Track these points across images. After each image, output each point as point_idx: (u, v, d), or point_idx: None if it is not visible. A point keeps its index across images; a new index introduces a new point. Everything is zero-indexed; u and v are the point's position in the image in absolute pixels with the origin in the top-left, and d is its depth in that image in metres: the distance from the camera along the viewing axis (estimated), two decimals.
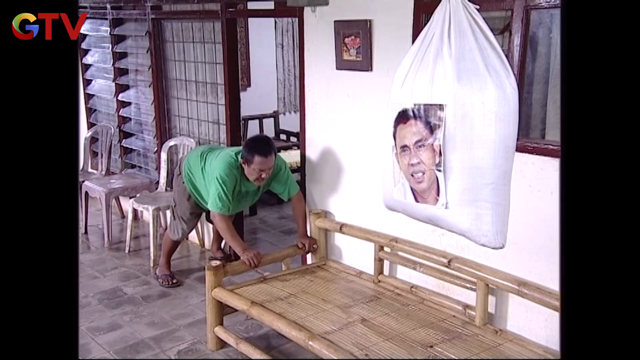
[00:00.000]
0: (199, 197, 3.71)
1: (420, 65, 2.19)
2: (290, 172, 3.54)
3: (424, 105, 2.16)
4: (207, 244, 4.65)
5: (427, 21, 2.37)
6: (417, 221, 2.63)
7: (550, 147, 2.50)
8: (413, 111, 2.20)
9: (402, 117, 2.25)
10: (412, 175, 2.25)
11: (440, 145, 2.12)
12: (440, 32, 2.15)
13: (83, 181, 4.92)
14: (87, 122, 5.76)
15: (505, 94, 2.07)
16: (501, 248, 2.25)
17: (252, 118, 6.39)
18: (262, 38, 6.68)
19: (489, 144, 2.09)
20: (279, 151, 3.99)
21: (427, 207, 2.25)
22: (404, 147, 2.25)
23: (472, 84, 2.07)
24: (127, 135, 5.39)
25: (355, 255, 3.48)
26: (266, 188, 3.58)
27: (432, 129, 2.14)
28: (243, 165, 3.30)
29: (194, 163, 3.64)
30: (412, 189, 2.27)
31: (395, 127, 2.28)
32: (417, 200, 2.28)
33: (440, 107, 2.11)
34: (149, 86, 4.87)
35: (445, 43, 2.13)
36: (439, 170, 2.15)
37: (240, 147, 3.45)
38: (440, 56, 2.14)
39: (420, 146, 2.19)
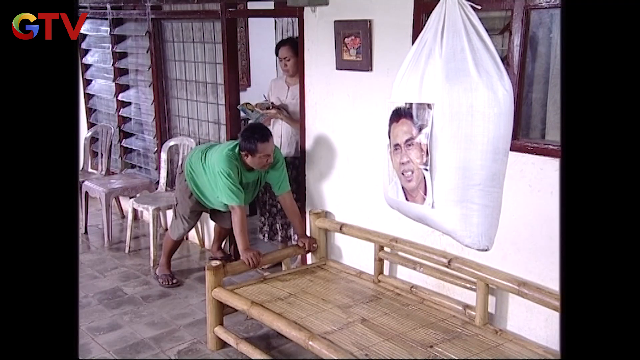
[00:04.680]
0: (201, 195, 3.72)
1: (415, 65, 2.20)
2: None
3: (414, 104, 2.16)
4: (207, 244, 4.65)
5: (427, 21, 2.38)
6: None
7: (550, 147, 2.50)
8: (404, 110, 2.20)
9: (396, 116, 2.25)
10: (403, 174, 2.25)
11: (427, 145, 2.12)
12: (434, 31, 2.15)
13: (83, 181, 4.92)
14: (87, 122, 5.76)
15: (497, 95, 2.06)
16: (485, 250, 2.24)
17: None
18: (262, 38, 6.66)
19: (476, 145, 2.08)
20: None
21: (416, 206, 2.25)
22: (396, 146, 2.25)
23: (461, 84, 2.06)
24: (127, 135, 5.39)
25: (355, 255, 3.48)
26: (265, 180, 3.59)
27: (420, 128, 2.14)
28: (245, 157, 3.34)
29: (196, 160, 3.66)
30: (403, 187, 2.28)
31: (389, 125, 2.29)
32: (407, 199, 2.28)
33: (429, 106, 2.11)
34: (149, 86, 4.87)
35: (438, 42, 2.12)
36: (426, 170, 2.15)
37: (235, 142, 3.47)
38: (432, 56, 2.13)
39: (409, 145, 2.19)
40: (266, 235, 4.13)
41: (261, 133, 3.32)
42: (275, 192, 3.61)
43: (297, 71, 3.78)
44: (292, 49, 3.81)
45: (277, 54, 3.94)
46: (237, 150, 3.37)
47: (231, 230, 3.68)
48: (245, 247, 3.33)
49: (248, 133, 3.35)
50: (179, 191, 3.88)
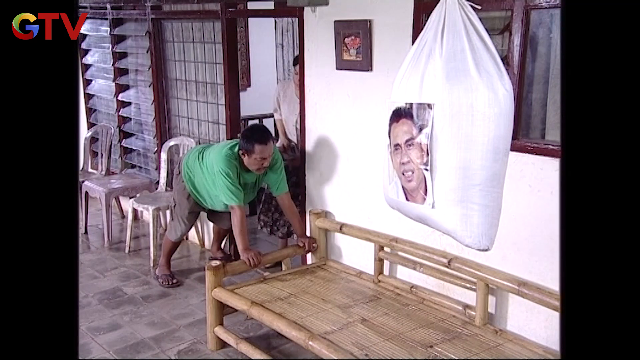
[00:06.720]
0: (198, 196, 3.72)
1: (415, 65, 2.20)
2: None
3: (415, 104, 2.16)
4: (207, 244, 4.65)
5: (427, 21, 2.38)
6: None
7: (550, 147, 2.50)
8: (405, 110, 2.21)
9: (396, 116, 2.26)
10: (403, 174, 2.26)
11: (427, 145, 2.12)
12: (434, 31, 2.15)
13: (83, 181, 4.92)
14: (87, 122, 5.76)
15: (497, 95, 2.06)
16: (486, 250, 2.24)
17: (252, 118, 6.37)
18: (262, 38, 6.67)
19: (477, 145, 2.08)
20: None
21: (416, 206, 2.26)
22: (397, 146, 2.26)
23: (462, 84, 2.06)
24: (127, 135, 5.40)
25: (355, 255, 3.48)
26: (263, 180, 3.59)
27: (421, 128, 2.14)
28: (243, 156, 3.33)
29: (193, 161, 3.66)
30: (403, 187, 2.28)
31: (390, 125, 2.29)
32: (407, 199, 2.28)
33: (429, 106, 2.11)
34: (149, 86, 4.87)
35: (438, 43, 2.13)
36: (427, 170, 2.15)
37: (234, 141, 3.48)
38: (432, 56, 2.14)
39: (410, 145, 2.19)
40: (268, 229, 4.13)
41: (260, 134, 3.31)
42: (273, 192, 3.61)
43: None
44: None
45: (295, 64, 3.92)
46: (236, 149, 3.37)
47: (230, 230, 3.69)
48: (245, 247, 3.33)
49: (248, 133, 3.36)
50: (177, 193, 3.88)
